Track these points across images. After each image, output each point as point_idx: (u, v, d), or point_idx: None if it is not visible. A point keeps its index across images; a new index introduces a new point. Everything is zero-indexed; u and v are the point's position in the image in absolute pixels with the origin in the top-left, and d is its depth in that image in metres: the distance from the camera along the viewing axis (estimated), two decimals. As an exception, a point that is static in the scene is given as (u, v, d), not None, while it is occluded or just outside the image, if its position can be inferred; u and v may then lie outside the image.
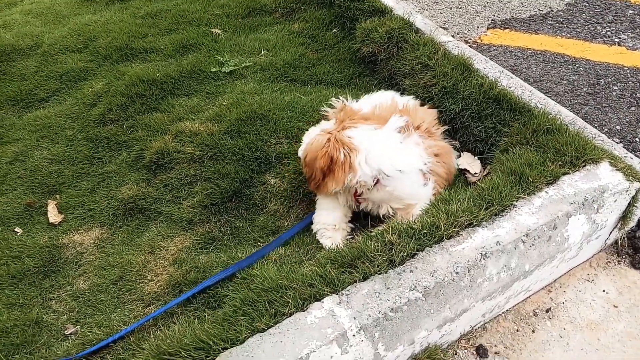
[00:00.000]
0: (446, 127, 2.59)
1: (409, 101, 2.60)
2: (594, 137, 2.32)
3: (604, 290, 2.24)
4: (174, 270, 2.23)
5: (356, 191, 2.18)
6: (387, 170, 2.07)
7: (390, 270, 1.80)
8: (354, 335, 1.63)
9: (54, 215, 2.63)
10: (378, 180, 2.10)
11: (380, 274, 1.79)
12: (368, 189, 2.14)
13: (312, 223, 2.31)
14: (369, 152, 2.07)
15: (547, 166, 2.13)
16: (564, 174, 2.12)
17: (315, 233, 2.27)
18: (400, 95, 2.66)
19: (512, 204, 2.01)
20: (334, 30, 3.72)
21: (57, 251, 2.45)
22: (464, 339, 2.05)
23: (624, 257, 2.37)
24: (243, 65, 3.41)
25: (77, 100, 3.37)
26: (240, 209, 2.51)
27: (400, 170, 2.08)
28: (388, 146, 2.10)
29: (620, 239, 2.36)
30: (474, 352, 2.01)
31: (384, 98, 2.54)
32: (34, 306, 2.21)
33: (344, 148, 2.07)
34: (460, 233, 1.91)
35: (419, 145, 2.17)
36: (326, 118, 2.75)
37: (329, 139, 2.11)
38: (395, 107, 2.40)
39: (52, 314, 2.18)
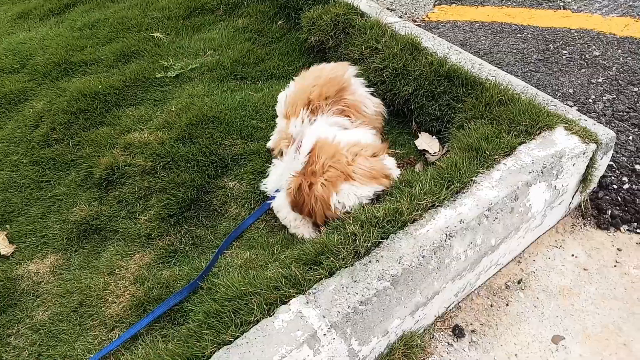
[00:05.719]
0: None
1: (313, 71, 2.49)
2: (547, 103, 2.31)
3: (572, 255, 2.24)
4: (135, 290, 2.13)
5: None
6: None
7: (356, 263, 1.74)
8: (324, 335, 1.58)
9: (5, 247, 2.49)
10: None
11: (346, 267, 1.74)
12: None
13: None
14: None
15: (503, 138, 2.11)
16: (520, 143, 2.10)
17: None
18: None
19: (472, 180, 1.98)
20: (280, 22, 3.63)
21: (12, 284, 2.32)
22: (440, 321, 2.02)
23: (589, 219, 2.37)
24: (189, 67, 3.29)
25: (18, 123, 3.21)
26: (200, 217, 2.42)
27: None
28: None
29: (583, 201, 2.37)
30: (451, 333, 1.98)
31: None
32: (-9, 346, 2.09)
33: None
34: (423, 215, 1.87)
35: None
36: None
37: None
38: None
39: (12, 351, 2.06)
